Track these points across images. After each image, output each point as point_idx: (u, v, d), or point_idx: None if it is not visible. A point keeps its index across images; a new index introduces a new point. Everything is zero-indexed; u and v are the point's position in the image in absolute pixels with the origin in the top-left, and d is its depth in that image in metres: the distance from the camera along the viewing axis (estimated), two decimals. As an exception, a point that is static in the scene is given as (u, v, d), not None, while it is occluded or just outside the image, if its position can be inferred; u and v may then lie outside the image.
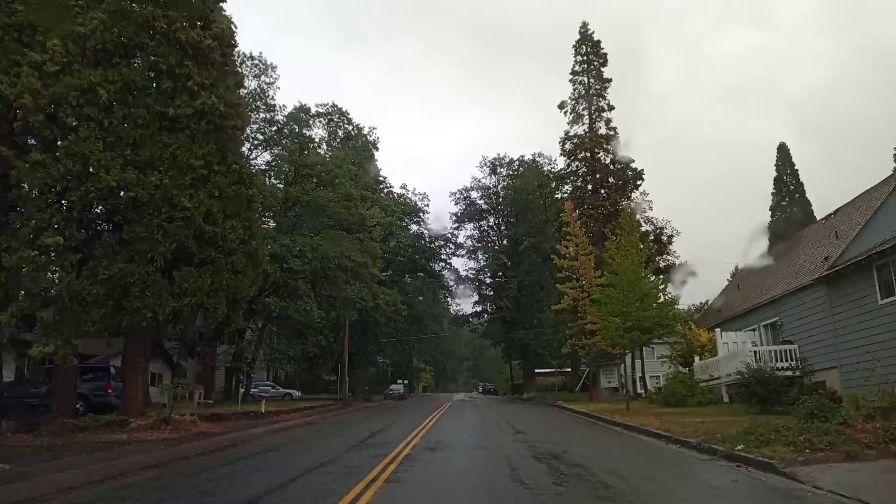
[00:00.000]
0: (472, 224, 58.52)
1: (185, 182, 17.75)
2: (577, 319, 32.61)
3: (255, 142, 38.77)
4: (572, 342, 33.44)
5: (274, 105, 38.32)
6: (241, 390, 35.93)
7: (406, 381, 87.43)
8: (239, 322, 21.23)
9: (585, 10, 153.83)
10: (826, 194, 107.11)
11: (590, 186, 49.40)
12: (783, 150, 73.81)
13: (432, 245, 55.25)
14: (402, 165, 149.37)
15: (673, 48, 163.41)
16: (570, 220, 34.33)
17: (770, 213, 71.03)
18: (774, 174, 72.70)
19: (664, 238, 47.43)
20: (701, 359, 26.39)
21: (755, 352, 21.64)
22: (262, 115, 38.40)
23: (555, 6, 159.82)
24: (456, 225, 57.77)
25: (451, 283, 57.28)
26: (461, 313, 58.63)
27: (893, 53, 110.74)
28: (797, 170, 73.85)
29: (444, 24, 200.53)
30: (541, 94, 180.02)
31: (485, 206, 57.83)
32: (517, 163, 56.55)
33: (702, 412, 19.26)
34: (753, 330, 25.17)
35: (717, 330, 24.94)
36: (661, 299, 25.10)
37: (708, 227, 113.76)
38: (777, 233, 67.67)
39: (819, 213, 43.24)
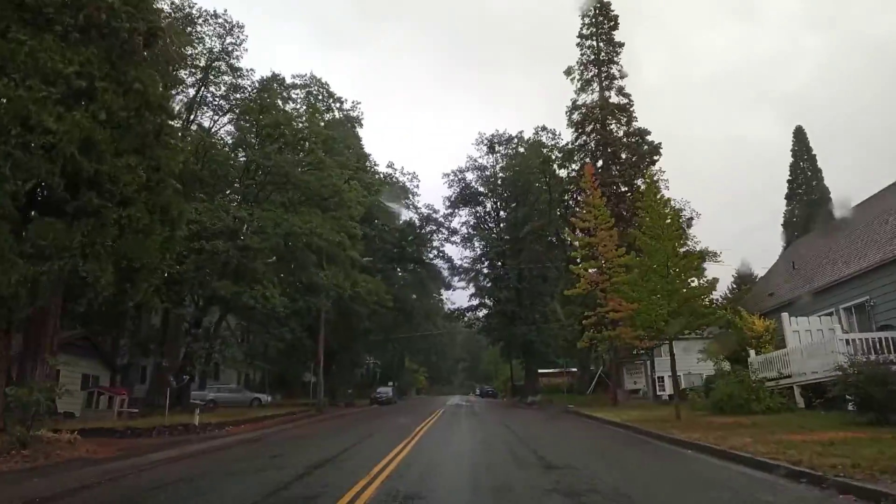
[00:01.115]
0: (467, 209, 52.92)
1: (52, 96, 12.16)
2: (596, 307, 27.06)
3: (220, 110, 33.19)
4: (589, 335, 27.88)
5: (240, 69, 32.67)
6: (192, 393, 30.33)
7: (396, 384, 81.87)
8: (141, 298, 15.51)
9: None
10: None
11: (600, 162, 43.93)
12: (800, 135, 68.95)
13: (422, 231, 49.39)
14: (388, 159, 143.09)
15: (659, 42, 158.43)
16: (588, 186, 28.70)
17: (786, 201, 65.86)
18: (790, 160, 68.43)
19: (682, 220, 42.02)
20: (758, 352, 20.87)
21: (846, 340, 16.10)
22: (226, 78, 32.84)
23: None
24: (450, 210, 52.19)
25: (445, 274, 51.59)
26: (456, 308, 52.96)
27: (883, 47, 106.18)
28: (814, 154, 69.03)
29: (428, 18, 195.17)
30: (532, 84, 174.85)
31: (481, 189, 52.23)
32: (517, 140, 51.04)
33: (789, 422, 13.77)
34: (829, 314, 19.70)
35: (785, 315, 19.36)
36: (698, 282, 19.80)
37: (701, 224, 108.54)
38: (796, 220, 62.82)
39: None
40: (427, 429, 19.14)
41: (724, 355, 22.09)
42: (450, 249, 72.83)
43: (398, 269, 51.39)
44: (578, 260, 29.16)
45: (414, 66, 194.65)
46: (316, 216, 29.07)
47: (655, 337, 20.76)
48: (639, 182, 41.22)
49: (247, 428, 21.29)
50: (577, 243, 27.78)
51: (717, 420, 16.28)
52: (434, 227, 49.03)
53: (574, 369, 63.74)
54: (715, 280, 19.00)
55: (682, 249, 23.77)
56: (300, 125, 32.09)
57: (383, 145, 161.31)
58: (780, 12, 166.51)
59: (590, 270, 26.87)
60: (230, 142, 30.62)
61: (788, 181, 67.21)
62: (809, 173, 68.15)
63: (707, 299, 20.76)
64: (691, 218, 42.83)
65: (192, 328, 28.51)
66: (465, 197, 52.38)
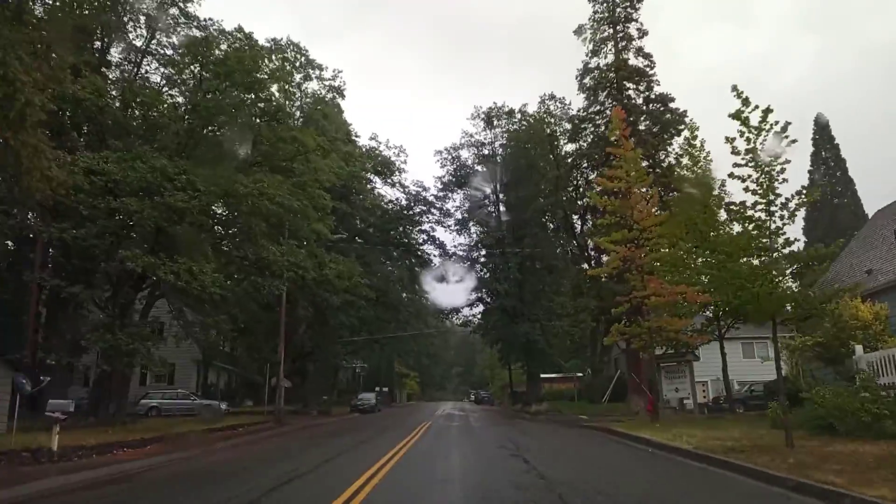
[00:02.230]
0: (461, 192, 46.74)
1: None
2: (632, 292, 20.91)
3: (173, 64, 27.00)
4: (619, 327, 21.75)
5: (197, 17, 26.42)
6: (141, 401, 23.91)
7: (385, 389, 75.38)
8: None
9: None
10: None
11: (617, 132, 38.02)
12: (820, 124, 63.72)
13: (410, 213, 43.03)
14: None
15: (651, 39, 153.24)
16: (618, 131, 22.64)
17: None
18: (811, 149, 63.38)
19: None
20: (869, 347, 14.82)
21: None
22: (184, 31, 26.63)
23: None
24: (442, 193, 45.95)
25: (436, 262, 45.20)
26: (450, 308, 46.50)
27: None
28: (837, 144, 63.75)
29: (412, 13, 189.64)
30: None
31: (478, 168, 46.14)
32: (519, 114, 45.00)
33: None
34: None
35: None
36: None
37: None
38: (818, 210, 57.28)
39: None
40: (405, 451, 13.04)
41: (811, 353, 16.10)
42: (442, 236, 66.25)
43: (384, 260, 45.19)
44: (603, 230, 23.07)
45: (405, 52, 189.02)
46: (274, 179, 22.99)
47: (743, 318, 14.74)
48: (661, 157, 35.42)
49: (151, 451, 15.03)
50: (607, 206, 21.50)
51: (852, 449, 10.23)
52: (424, 208, 42.73)
53: (580, 374, 57.79)
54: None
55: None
56: (262, 76, 26.01)
57: (370, 127, 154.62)
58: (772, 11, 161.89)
59: (619, 245, 20.66)
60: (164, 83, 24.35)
61: (809, 171, 61.81)
62: (833, 163, 62.85)
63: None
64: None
65: (112, 313, 22.15)
66: (459, 178, 46.26)
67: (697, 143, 23.37)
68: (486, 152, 45.98)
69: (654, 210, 20.53)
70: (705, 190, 24.21)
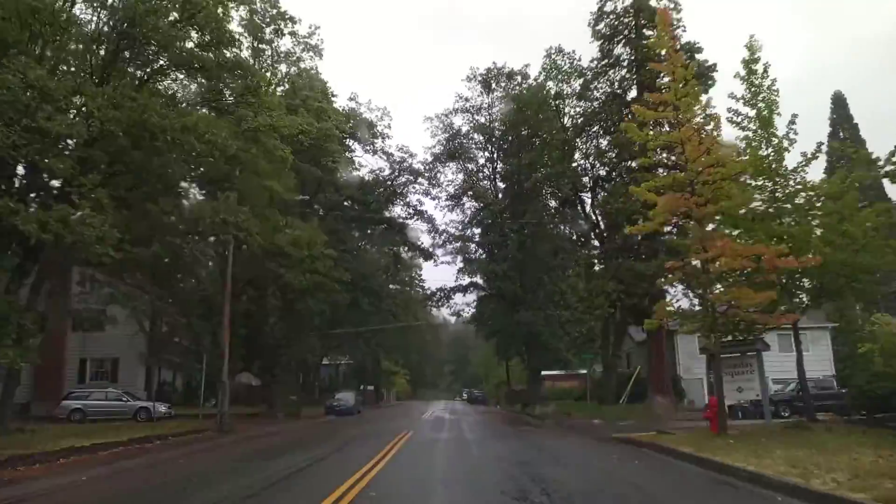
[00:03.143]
0: (454, 164, 41.14)
1: None
2: (688, 254, 15.40)
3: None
4: (665, 304, 16.29)
5: None
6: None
7: (371, 388, 69.87)
8: None
9: None
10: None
11: (634, 90, 32.65)
12: (839, 101, 58.75)
13: (393, 182, 37.07)
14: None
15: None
16: (664, 37, 17.11)
17: (825, 175, 54.00)
18: (828, 129, 58.57)
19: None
20: None
21: None
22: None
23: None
24: (432, 166, 40.24)
25: (425, 242, 39.50)
26: (440, 289, 40.47)
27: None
28: (856, 123, 58.85)
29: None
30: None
31: (474, 137, 40.49)
32: (520, 77, 39.43)
33: None
34: None
35: None
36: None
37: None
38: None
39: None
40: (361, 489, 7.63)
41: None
42: (432, 213, 58.40)
43: (363, 243, 39.62)
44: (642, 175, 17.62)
45: (392, 11, 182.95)
46: (209, 118, 17.49)
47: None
48: (687, 117, 30.02)
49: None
50: (648, 142, 15.89)
51: None
52: (410, 177, 36.82)
53: (583, 371, 52.42)
54: None
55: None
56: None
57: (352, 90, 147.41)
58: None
59: (665, 191, 15.10)
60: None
61: (827, 153, 57.03)
62: (850, 141, 58.26)
63: None
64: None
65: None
66: (452, 149, 40.63)
67: (759, 67, 18.07)
68: (482, 120, 40.43)
69: (713, 145, 15.05)
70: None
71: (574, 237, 38.58)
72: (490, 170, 40.01)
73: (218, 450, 15.98)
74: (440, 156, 40.63)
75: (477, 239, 38.42)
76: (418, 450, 14.90)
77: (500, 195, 40.04)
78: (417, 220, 35.94)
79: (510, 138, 37.94)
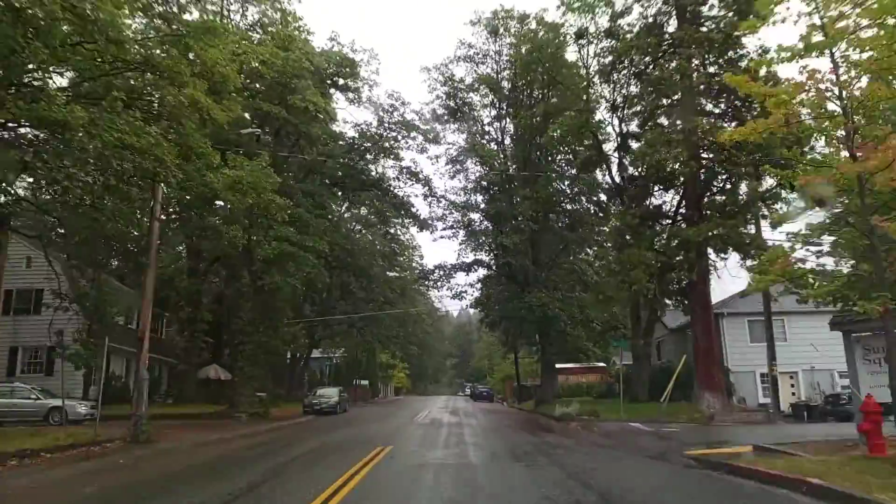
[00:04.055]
0: (457, 125, 35.34)
1: None
2: (825, 168, 9.65)
3: None
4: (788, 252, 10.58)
5: None
6: None
7: (365, 382, 64.38)
8: None
9: None
10: None
11: (674, 21, 26.88)
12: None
13: (382, 136, 30.87)
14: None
15: None
16: None
17: None
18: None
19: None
20: None
21: None
22: None
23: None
24: (430, 124, 34.39)
25: (419, 210, 33.51)
26: (439, 266, 34.39)
27: None
28: None
29: None
30: None
31: (479, 91, 34.62)
32: (535, 20, 33.52)
33: None
34: None
35: None
36: None
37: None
38: None
39: None
40: None
41: None
42: (430, 179, 51.03)
43: (351, 217, 33.93)
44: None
45: None
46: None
47: None
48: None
49: None
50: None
51: None
52: (403, 131, 30.62)
53: (601, 364, 46.73)
54: None
55: None
56: None
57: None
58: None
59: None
60: None
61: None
62: None
63: None
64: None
65: None
66: (453, 106, 34.82)
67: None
68: (488, 70, 34.57)
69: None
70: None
71: (595, 207, 32.92)
72: (498, 131, 34.26)
73: (67, 483, 10.25)
74: (440, 116, 34.80)
75: (483, 206, 32.58)
76: (402, 472, 9.42)
77: (508, 162, 34.21)
78: (412, 183, 29.94)
79: (521, 85, 32.04)
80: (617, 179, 29.43)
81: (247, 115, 21.52)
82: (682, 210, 25.56)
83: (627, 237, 24.18)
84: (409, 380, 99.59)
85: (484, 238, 29.34)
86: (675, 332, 32.15)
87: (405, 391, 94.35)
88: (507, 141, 33.15)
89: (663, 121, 26.82)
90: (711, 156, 23.03)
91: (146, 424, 15.59)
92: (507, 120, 33.56)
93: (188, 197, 15.98)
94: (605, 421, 22.32)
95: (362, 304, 44.91)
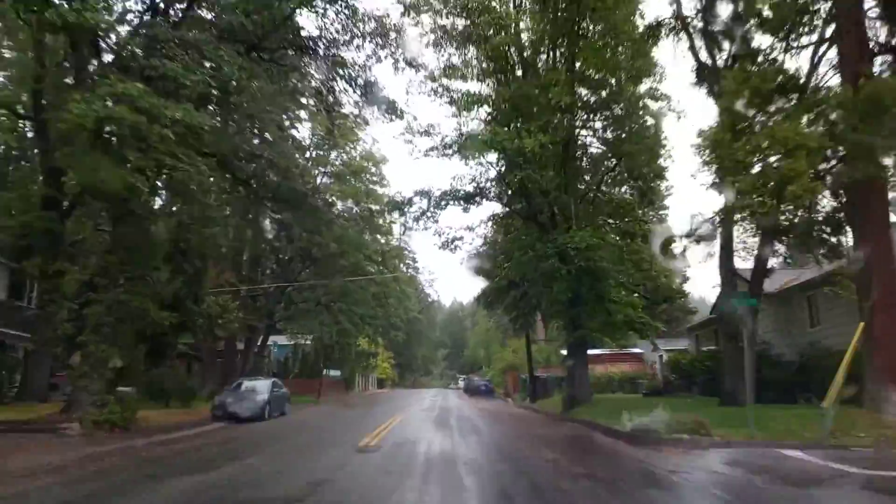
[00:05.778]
0: (453, 49, 23.53)
1: None
2: None
3: None
4: None
5: None
6: None
7: (337, 373, 53.64)
8: None
9: None
10: None
11: None
12: None
13: None
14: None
15: None
16: None
17: None
18: None
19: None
20: None
21: None
22: None
23: None
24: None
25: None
26: (422, 191, 22.22)
27: None
28: None
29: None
30: None
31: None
32: None
33: None
34: None
35: None
36: None
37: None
38: None
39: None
40: None
41: None
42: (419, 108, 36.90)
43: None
44: None
45: None
46: None
47: None
48: None
49: None
50: None
51: None
52: None
53: (638, 350, 36.47)
54: None
55: None
56: None
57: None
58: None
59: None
60: None
61: None
62: None
63: None
64: None
65: None
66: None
67: None
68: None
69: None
70: None
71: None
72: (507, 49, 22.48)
73: None
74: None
75: (486, 117, 21.35)
76: None
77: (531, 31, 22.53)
78: (379, 44, 17.84)
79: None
80: (703, 56, 18.71)
81: None
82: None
83: (752, 112, 13.45)
84: (396, 371, 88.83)
85: (492, 140, 17.81)
86: (772, 298, 21.61)
87: (390, 383, 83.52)
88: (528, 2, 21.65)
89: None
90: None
91: None
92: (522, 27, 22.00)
93: None
94: (728, 444, 11.75)
95: (330, 272, 34.46)
